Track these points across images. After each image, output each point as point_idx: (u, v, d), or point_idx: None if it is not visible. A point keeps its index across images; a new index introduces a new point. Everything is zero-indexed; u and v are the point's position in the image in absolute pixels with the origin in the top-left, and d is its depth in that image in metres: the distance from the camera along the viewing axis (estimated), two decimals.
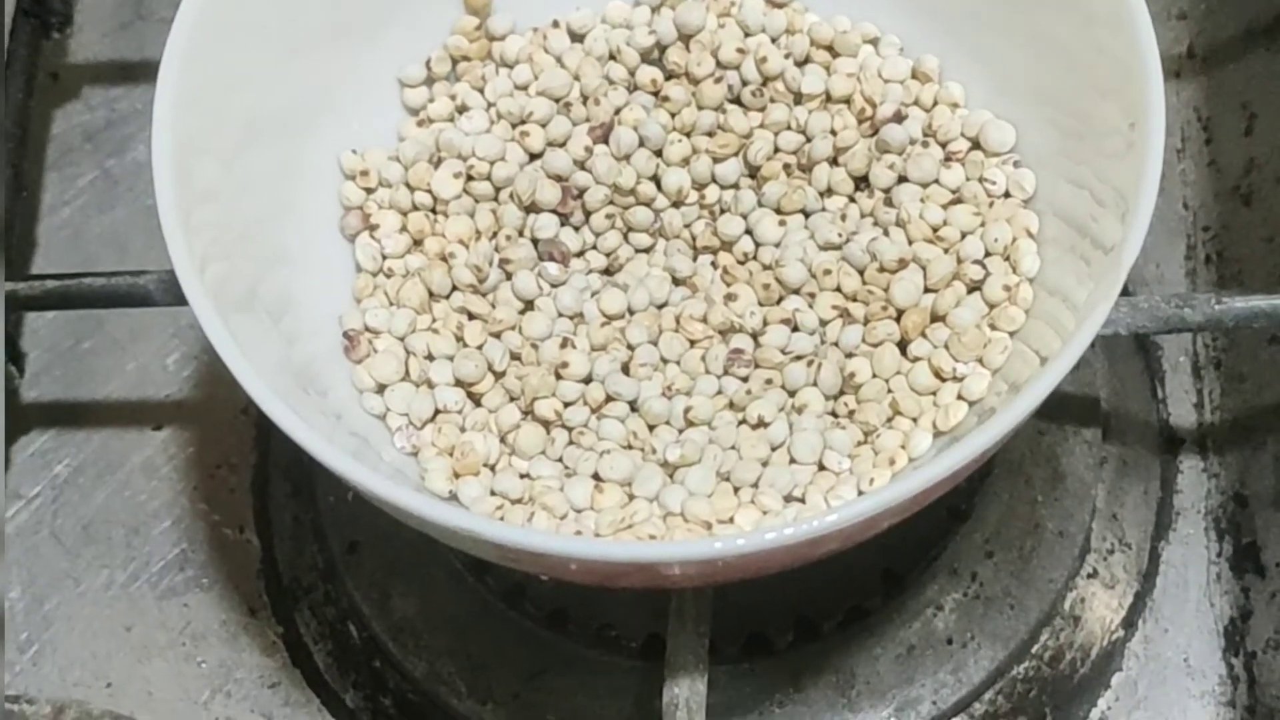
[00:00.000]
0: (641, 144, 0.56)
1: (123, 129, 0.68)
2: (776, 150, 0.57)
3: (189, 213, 0.48)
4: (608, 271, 0.56)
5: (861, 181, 0.56)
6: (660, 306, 0.55)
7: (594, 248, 0.56)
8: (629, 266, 0.56)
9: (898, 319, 0.53)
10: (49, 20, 0.65)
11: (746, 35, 0.58)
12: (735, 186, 0.57)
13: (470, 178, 0.56)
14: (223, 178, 0.52)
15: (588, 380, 0.53)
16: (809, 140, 0.57)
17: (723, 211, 0.57)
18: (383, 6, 0.57)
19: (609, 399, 0.53)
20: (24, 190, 0.63)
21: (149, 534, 0.63)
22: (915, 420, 0.52)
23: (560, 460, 0.52)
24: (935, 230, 0.54)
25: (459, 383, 0.53)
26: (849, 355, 0.53)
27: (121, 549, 0.62)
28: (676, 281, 0.56)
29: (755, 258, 0.56)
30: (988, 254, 0.54)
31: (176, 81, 0.50)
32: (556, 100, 0.57)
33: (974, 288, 0.53)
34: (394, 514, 0.46)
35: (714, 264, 0.56)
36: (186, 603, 0.62)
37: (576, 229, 0.56)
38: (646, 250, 0.56)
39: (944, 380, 0.52)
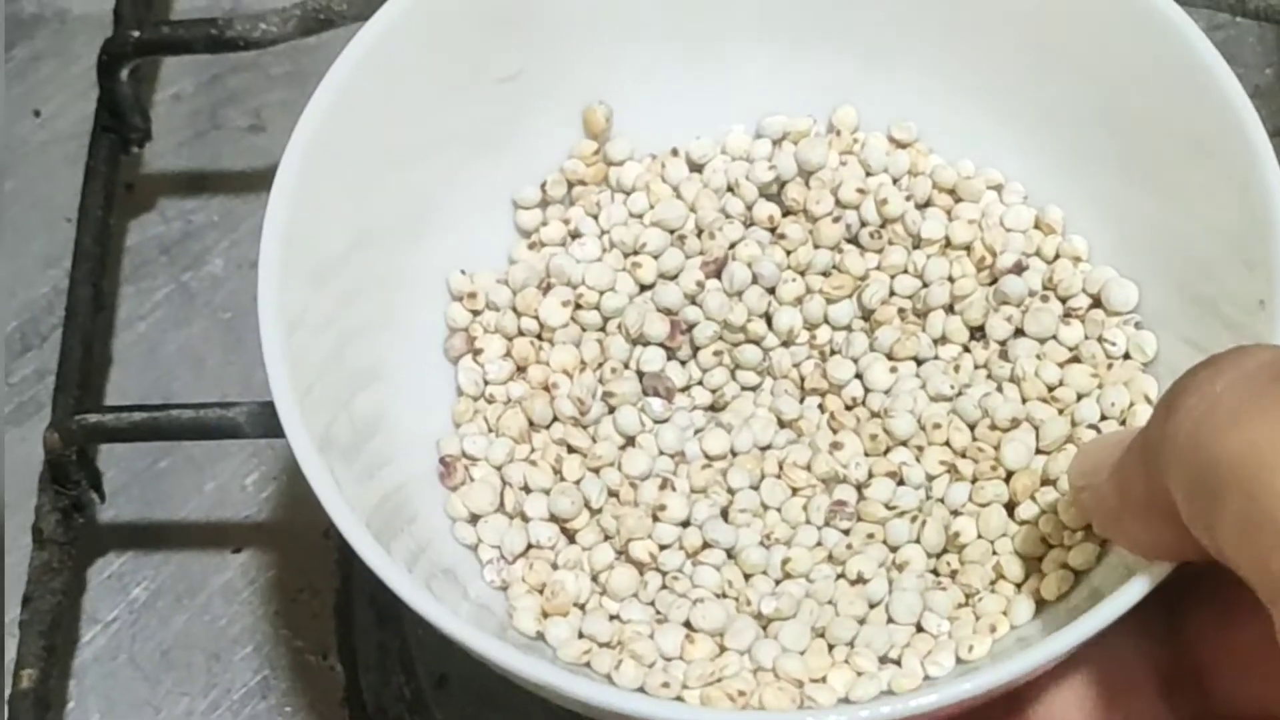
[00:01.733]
0: (755, 281, 0.55)
1: (199, 241, 0.65)
2: (892, 294, 0.56)
3: (290, 340, 0.48)
4: (713, 408, 0.55)
5: (977, 331, 0.55)
6: (764, 449, 0.54)
7: (700, 383, 0.55)
8: (734, 405, 0.55)
9: (1007, 479, 0.52)
10: (129, 136, 0.63)
11: (868, 175, 0.57)
12: (847, 329, 0.56)
13: (579, 306, 0.55)
14: (324, 298, 0.51)
15: (686, 524, 0.52)
16: (926, 286, 0.55)
17: (833, 353, 0.55)
18: (501, 126, 0.56)
19: (706, 545, 0.52)
20: (103, 308, 0.62)
21: (230, 660, 0.61)
22: (1019, 586, 0.51)
23: (653, 604, 0.51)
24: (1050, 390, 0.53)
25: (554, 518, 0.52)
26: (954, 513, 0.52)
27: (202, 675, 0.61)
28: (782, 424, 0.54)
29: (864, 403, 0.54)
30: (1103, 417, 0.52)
31: (288, 205, 0.49)
32: (671, 231, 0.56)
33: None
34: (476, 657, 0.45)
35: (821, 407, 0.55)
36: None
37: (683, 364, 0.55)
38: (753, 389, 0.55)
39: (1051, 547, 0.51)
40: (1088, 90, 0.54)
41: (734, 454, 0.54)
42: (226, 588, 0.63)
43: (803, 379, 0.55)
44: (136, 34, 0.60)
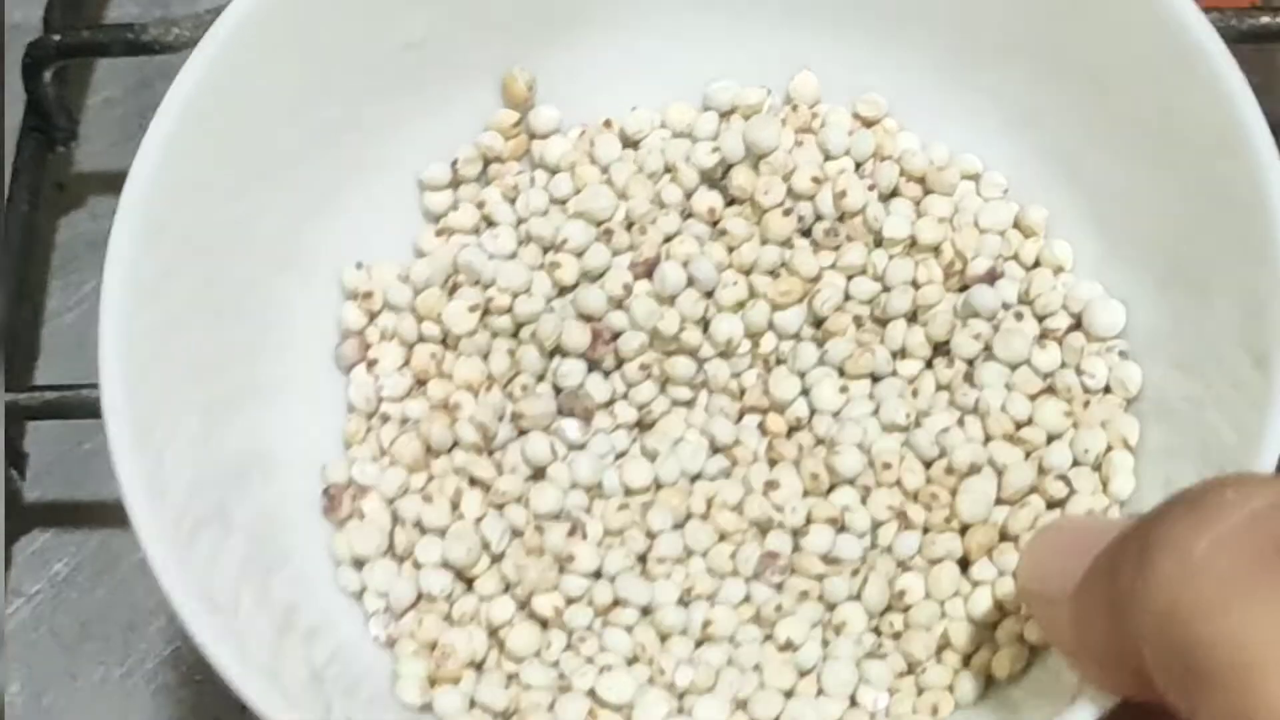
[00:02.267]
0: (690, 283, 0.48)
1: None
2: (847, 298, 0.49)
3: (133, 342, 0.43)
4: (639, 425, 0.49)
5: (941, 347, 0.48)
6: (693, 479, 0.48)
7: (624, 399, 0.49)
8: (662, 424, 0.48)
9: (962, 533, 0.45)
10: (54, 135, 0.65)
11: (827, 159, 0.50)
12: (795, 338, 0.49)
13: (488, 311, 0.48)
14: (191, 295, 0.45)
15: (597, 575, 0.46)
16: (886, 291, 0.48)
17: (779, 362, 0.49)
18: (407, 98, 0.49)
19: (617, 603, 0.45)
20: (28, 299, 0.64)
21: (145, 631, 0.60)
22: (967, 659, 0.45)
23: (556, 664, 0.45)
24: (1018, 427, 0.46)
25: (447, 564, 0.46)
26: (901, 566, 0.46)
27: (118, 646, 0.60)
28: (715, 448, 0.48)
29: (809, 426, 0.48)
30: (1075, 464, 0.46)
31: (143, 204, 0.43)
32: (597, 224, 0.49)
33: (1055, 504, 0.45)
34: None
35: (762, 428, 0.48)
36: (180, 698, 0.60)
37: (606, 374, 0.49)
38: (686, 404, 0.49)
39: (1006, 614, 0.45)
40: (1088, 75, 0.47)
41: (658, 486, 0.47)
42: (143, 563, 0.60)
43: (742, 392, 0.49)
44: (58, 38, 0.63)
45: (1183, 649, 0.31)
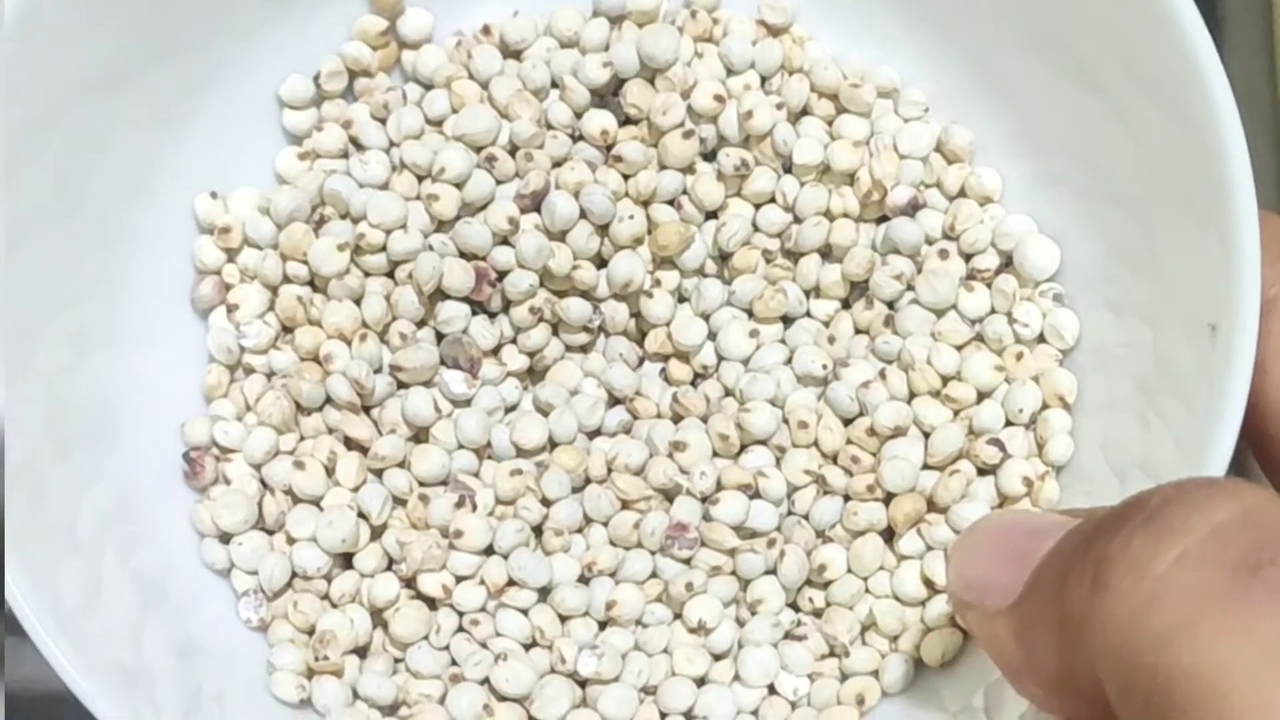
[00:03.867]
0: (583, 215, 0.44)
1: None
2: (755, 231, 0.44)
3: None
4: (530, 372, 0.44)
5: (859, 286, 0.44)
6: (591, 435, 0.44)
7: (513, 343, 0.44)
8: (556, 370, 0.44)
9: (886, 502, 0.42)
10: None
11: (730, 73, 0.45)
12: (699, 273, 0.45)
13: (359, 249, 0.43)
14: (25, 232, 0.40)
15: (488, 551, 0.42)
16: (798, 222, 0.44)
17: (682, 299, 0.44)
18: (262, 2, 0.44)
19: (511, 583, 0.42)
20: None
21: None
22: (893, 641, 0.42)
23: (447, 649, 0.42)
24: (945, 383, 0.42)
25: (322, 545, 0.42)
26: (820, 536, 0.42)
27: None
28: (614, 399, 0.44)
29: (716, 374, 0.44)
30: (1008, 423, 0.42)
31: None
32: (478, 150, 0.44)
33: (986, 471, 0.42)
34: None
35: (664, 375, 0.44)
36: None
37: (492, 316, 0.44)
38: (581, 349, 0.45)
39: (937, 592, 0.41)
40: None
41: (553, 445, 0.43)
42: None
43: (643, 336, 0.44)
44: None
45: (1146, 677, 0.28)
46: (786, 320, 0.44)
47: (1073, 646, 0.30)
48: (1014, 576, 0.32)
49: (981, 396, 0.42)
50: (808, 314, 0.44)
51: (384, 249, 0.43)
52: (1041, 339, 0.43)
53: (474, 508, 0.42)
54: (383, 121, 0.45)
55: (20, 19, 0.38)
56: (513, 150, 0.44)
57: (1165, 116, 0.38)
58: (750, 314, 0.44)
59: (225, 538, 0.43)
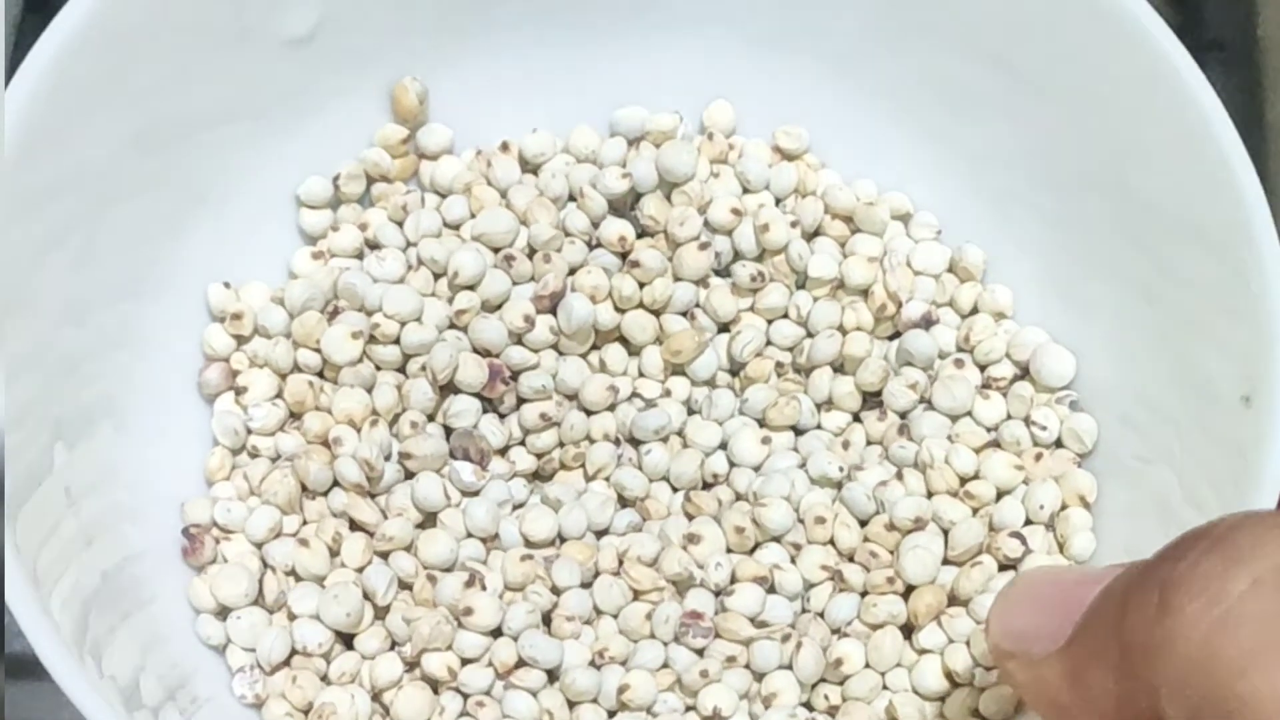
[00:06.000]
0: (598, 320, 0.43)
1: None
2: (768, 344, 0.44)
3: None
4: (537, 476, 0.44)
5: (872, 398, 0.44)
6: (600, 533, 0.43)
7: (522, 443, 0.44)
8: (565, 474, 0.44)
9: (905, 596, 0.41)
10: None
11: (745, 191, 0.46)
12: (709, 384, 0.44)
13: (373, 339, 0.43)
14: (37, 309, 0.39)
15: (497, 633, 0.41)
16: (810, 336, 0.44)
17: (692, 413, 0.44)
18: (287, 100, 0.44)
19: (522, 663, 0.40)
20: None
21: None
22: None
23: None
24: (964, 482, 0.42)
25: (324, 622, 0.41)
26: (837, 633, 0.41)
27: None
28: (624, 502, 0.43)
29: (728, 481, 0.43)
30: (1029, 522, 0.42)
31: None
32: (495, 250, 0.44)
33: (1008, 566, 0.41)
34: None
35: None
36: None
37: (503, 417, 0.44)
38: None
39: (957, 686, 0.40)
40: (1027, 106, 0.43)
41: (561, 539, 0.42)
42: None
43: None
44: None
45: (1218, 701, 0.27)
46: (798, 431, 0.44)
47: (1134, 675, 0.29)
48: (1060, 623, 0.31)
49: (1001, 495, 0.42)
50: (818, 426, 0.44)
51: (397, 340, 0.43)
52: (1059, 444, 0.43)
53: (484, 587, 0.41)
54: (400, 225, 0.45)
55: (31, 109, 0.38)
56: (530, 253, 0.44)
57: (1189, 234, 0.40)
58: (761, 423, 0.44)
59: (222, 613, 0.41)
